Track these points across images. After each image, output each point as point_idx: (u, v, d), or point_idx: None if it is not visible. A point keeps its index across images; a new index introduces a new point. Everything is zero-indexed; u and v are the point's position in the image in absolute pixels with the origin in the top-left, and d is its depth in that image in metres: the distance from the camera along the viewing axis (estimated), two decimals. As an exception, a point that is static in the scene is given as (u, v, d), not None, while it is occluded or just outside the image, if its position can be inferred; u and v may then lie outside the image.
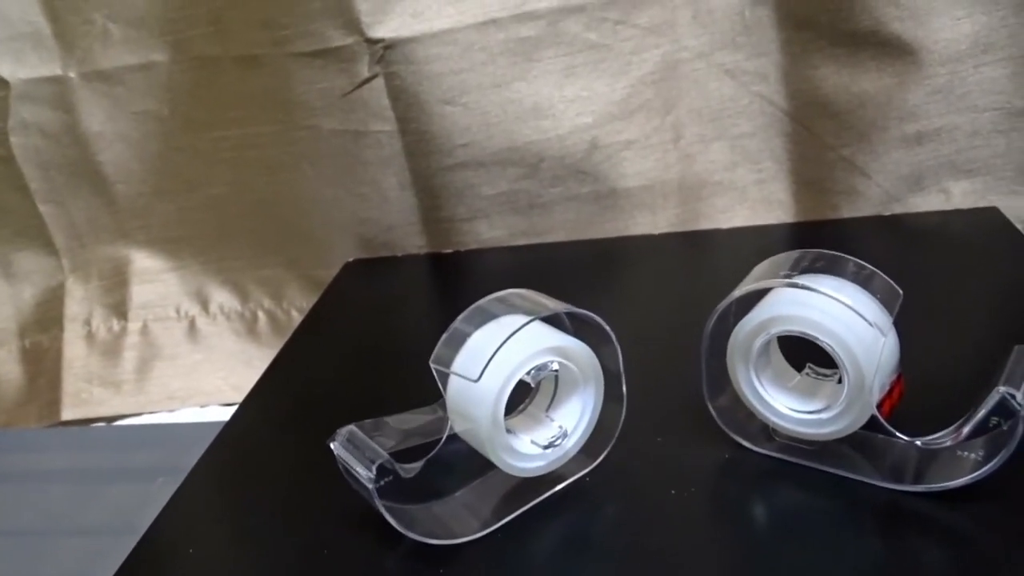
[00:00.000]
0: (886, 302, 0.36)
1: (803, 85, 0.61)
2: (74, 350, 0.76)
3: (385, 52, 0.60)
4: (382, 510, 0.35)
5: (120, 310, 0.76)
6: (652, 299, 0.57)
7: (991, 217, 0.60)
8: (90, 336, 0.76)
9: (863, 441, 0.37)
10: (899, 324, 0.36)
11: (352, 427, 0.37)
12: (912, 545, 0.33)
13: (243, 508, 0.42)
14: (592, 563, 0.35)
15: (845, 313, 0.35)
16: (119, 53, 0.66)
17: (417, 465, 0.36)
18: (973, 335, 0.47)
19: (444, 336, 0.37)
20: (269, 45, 0.63)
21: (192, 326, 0.76)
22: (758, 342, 0.37)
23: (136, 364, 0.75)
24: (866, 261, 0.37)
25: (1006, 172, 0.61)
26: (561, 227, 0.66)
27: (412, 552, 0.36)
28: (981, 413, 0.33)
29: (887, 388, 0.36)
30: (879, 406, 0.35)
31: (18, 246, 0.75)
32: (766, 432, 0.39)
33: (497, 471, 0.37)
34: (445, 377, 0.37)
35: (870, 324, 0.35)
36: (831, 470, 0.37)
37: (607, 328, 0.38)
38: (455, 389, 0.37)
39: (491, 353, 0.35)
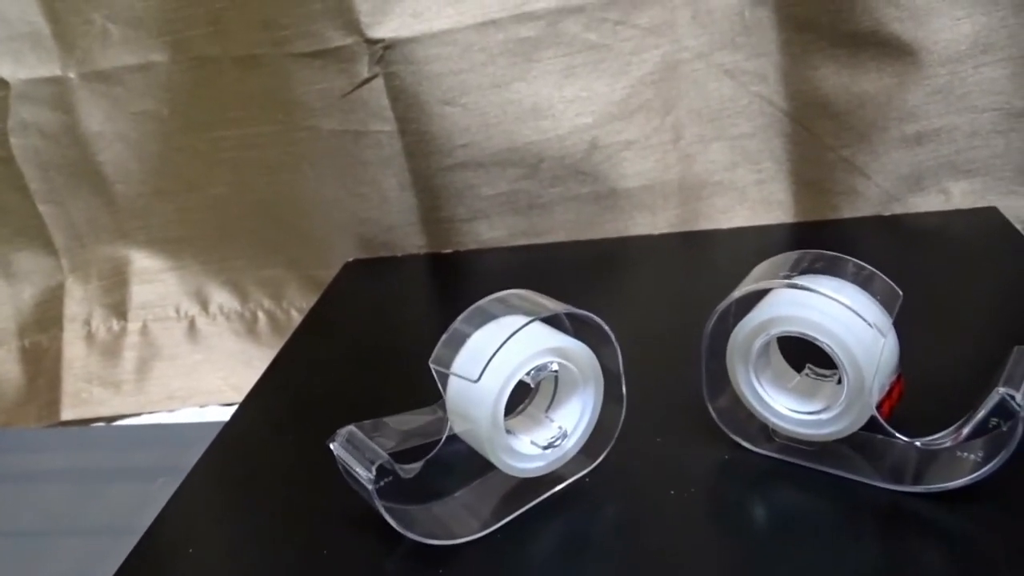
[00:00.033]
0: (886, 303, 0.36)
1: (803, 85, 0.61)
2: (74, 350, 0.76)
3: (385, 52, 0.60)
4: (382, 510, 0.35)
5: (120, 310, 0.76)
6: (652, 300, 0.57)
7: (990, 217, 0.60)
8: (90, 336, 0.76)
9: (863, 442, 0.37)
10: (899, 325, 0.36)
11: (352, 427, 0.37)
12: (911, 546, 0.33)
13: (243, 508, 0.42)
14: (592, 563, 0.35)
15: (845, 314, 0.35)
16: (118, 53, 0.66)
17: (417, 466, 0.36)
18: (973, 336, 0.47)
19: (444, 337, 0.37)
20: (269, 45, 0.63)
21: (192, 326, 0.76)
22: (758, 343, 0.37)
23: (136, 364, 0.75)
24: (866, 261, 0.37)
25: (1005, 172, 0.61)
26: (561, 227, 0.66)
27: (412, 552, 0.36)
28: (981, 414, 0.33)
29: (887, 389, 0.36)
30: (879, 407, 0.35)
31: (18, 246, 0.75)
32: (766, 433, 0.39)
33: (497, 472, 0.37)
34: (445, 378, 0.37)
35: (870, 325, 0.35)
36: (831, 471, 0.37)
37: (607, 329, 0.38)
38: (455, 390, 0.37)
39: (491, 354, 0.35)
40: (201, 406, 0.74)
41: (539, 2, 0.59)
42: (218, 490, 0.44)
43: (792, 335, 0.36)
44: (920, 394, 0.38)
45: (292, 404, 0.51)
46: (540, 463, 0.38)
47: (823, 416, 0.37)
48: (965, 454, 0.34)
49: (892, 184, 0.62)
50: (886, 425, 0.35)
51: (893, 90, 0.59)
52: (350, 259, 0.70)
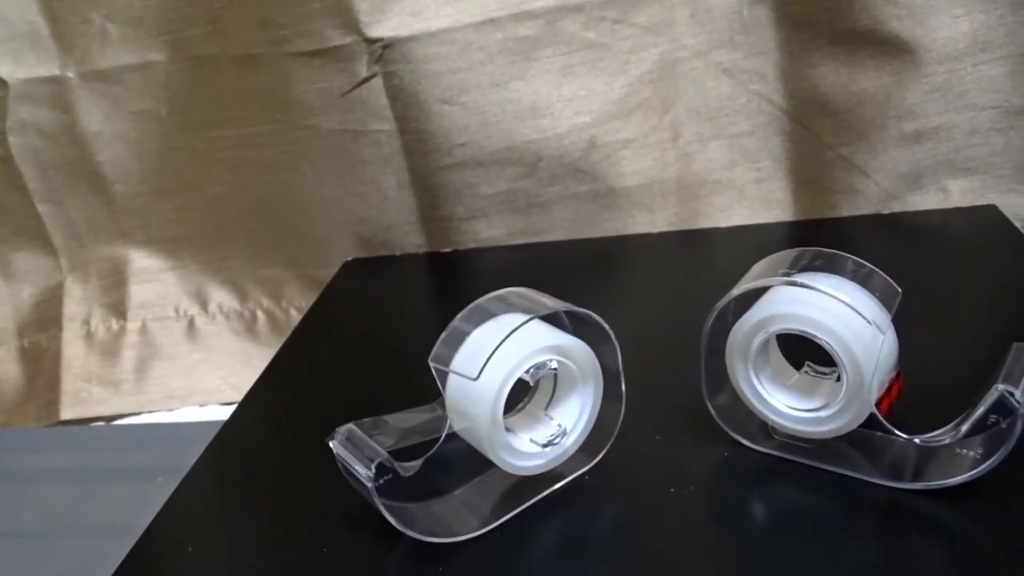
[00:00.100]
0: (885, 300, 0.36)
1: (801, 84, 0.62)
2: (73, 350, 0.76)
3: (384, 51, 0.60)
4: (381, 508, 0.35)
5: (119, 310, 0.76)
6: (651, 298, 0.57)
7: (989, 215, 0.60)
8: (89, 336, 0.76)
9: (862, 439, 0.37)
10: (898, 322, 0.36)
11: (351, 426, 0.37)
12: (911, 542, 0.33)
13: (242, 507, 0.42)
14: (591, 561, 0.35)
15: (844, 311, 0.35)
16: (117, 53, 0.66)
17: (416, 463, 0.36)
18: (972, 333, 0.47)
19: (443, 335, 0.37)
20: (268, 44, 0.63)
21: (191, 325, 0.76)
22: (757, 340, 0.37)
23: (135, 363, 0.75)
24: (865, 259, 0.37)
25: (1004, 170, 0.61)
26: (560, 226, 0.66)
27: (411, 550, 0.36)
28: (980, 411, 0.33)
29: (886, 386, 0.36)
30: (878, 404, 0.35)
31: (16, 246, 0.75)
32: (765, 430, 0.39)
33: (496, 469, 0.37)
34: (444, 376, 0.37)
35: (869, 322, 0.35)
36: (830, 468, 0.37)
37: (606, 327, 0.38)
38: (454, 388, 0.37)
39: (490, 352, 0.35)
40: (200, 405, 0.74)
41: (538, 1, 0.59)
42: (217, 489, 0.44)
43: (791, 332, 0.36)
44: (919, 391, 0.38)
45: (291, 403, 0.51)
46: (539, 461, 0.38)
47: (822, 413, 0.37)
48: (964, 451, 0.34)
49: (891, 182, 0.62)
50: (885, 422, 0.35)
51: (892, 88, 0.59)
52: (349, 258, 0.70)
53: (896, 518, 0.34)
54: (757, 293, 0.37)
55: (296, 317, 0.73)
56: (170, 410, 0.74)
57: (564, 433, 0.38)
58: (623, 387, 0.39)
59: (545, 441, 0.38)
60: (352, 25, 0.60)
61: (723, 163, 0.65)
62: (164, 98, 0.67)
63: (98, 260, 0.75)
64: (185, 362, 0.75)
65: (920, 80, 0.58)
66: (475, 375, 0.35)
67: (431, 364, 0.37)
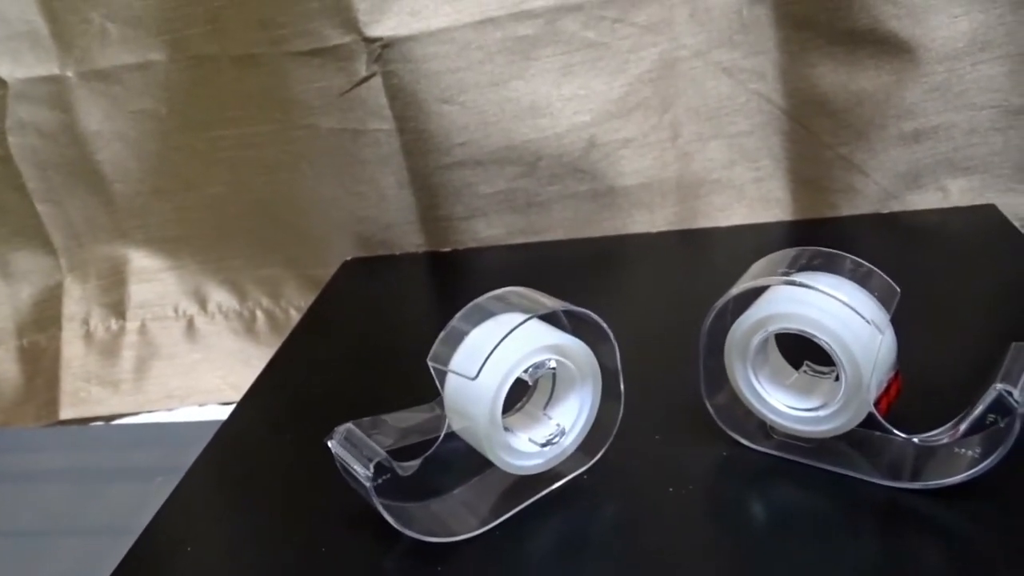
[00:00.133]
0: (883, 300, 0.36)
1: (801, 83, 0.62)
2: (72, 349, 0.76)
3: (383, 51, 0.60)
4: (380, 508, 0.35)
5: (118, 309, 0.76)
6: (650, 297, 0.57)
7: (989, 215, 0.60)
8: (88, 335, 0.76)
9: (860, 438, 0.37)
10: (896, 321, 0.36)
11: (350, 425, 0.37)
12: (909, 542, 0.33)
13: (241, 506, 0.42)
14: (590, 561, 0.35)
15: (842, 311, 0.35)
16: (117, 52, 0.66)
17: (415, 463, 0.36)
18: (971, 332, 0.47)
19: (442, 334, 0.37)
20: (267, 44, 0.63)
21: (190, 325, 0.76)
22: (756, 340, 0.37)
23: (134, 363, 0.75)
24: (864, 259, 0.37)
25: (1004, 170, 0.61)
26: (559, 225, 0.66)
27: (410, 550, 0.36)
28: (978, 410, 0.33)
29: (884, 385, 0.36)
30: (876, 403, 0.35)
31: (16, 245, 0.75)
32: (764, 430, 0.39)
33: (495, 469, 0.37)
34: (443, 375, 0.37)
35: (867, 321, 0.35)
36: (829, 467, 0.37)
37: (605, 326, 0.38)
38: (453, 387, 0.37)
39: (488, 351, 0.35)
40: (200, 405, 0.74)
41: (537, 0, 0.59)
42: (216, 489, 0.44)
43: (790, 332, 0.36)
44: (918, 391, 0.38)
45: (290, 403, 0.51)
46: (538, 460, 0.38)
47: (821, 413, 0.37)
48: (962, 450, 0.34)
49: (890, 182, 0.62)
50: (884, 422, 0.35)
51: (891, 88, 0.59)
52: (348, 258, 0.70)
53: (894, 517, 0.34)
54: (756, 292, 0.37)
55: (295, 317, 0.73)
56: (169, 410, 0.74)
57: (563, 432, 0.38)
58: (622, 386, 0.39)
59: (544, 440, 0.38)
60: (351, 24, 0.60)
61: (722, 162, 0.65)
62: (163, 98, 0.67)
63: (97, 260, 0.75)
64: (184, 362, 0.75)
65: (919, 79, 0.58)
66: (474, 374, 0.35)
67: (430, 363, 0.37)
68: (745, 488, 0.38)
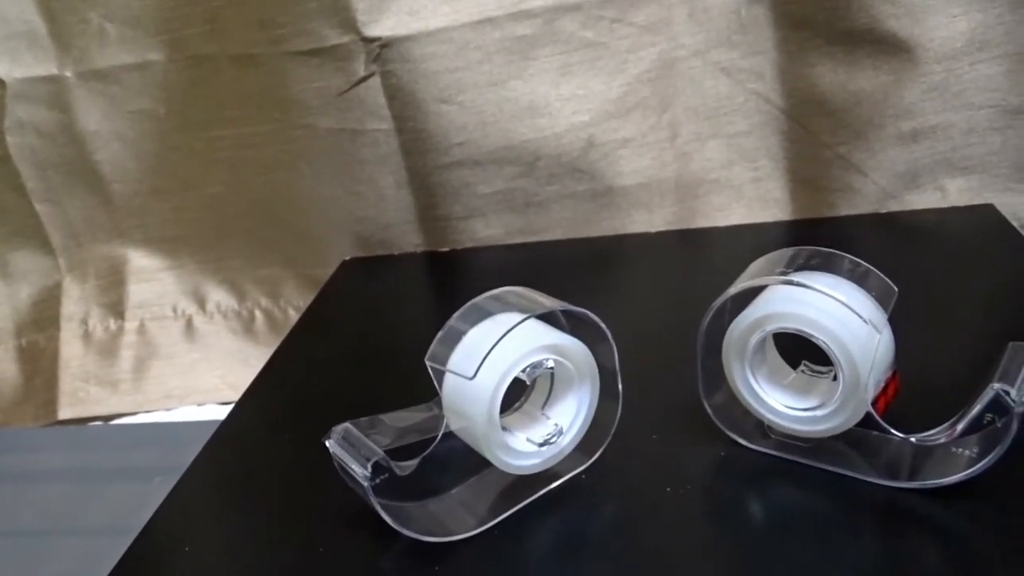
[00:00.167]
0: (881, 299, 0.36)
1: (799, 83, 0.62)
2: (71, 349, 0.75)
3: (381, 51, 0.60)
4: (378, 508, 0.35)
5: (117, 309, 0.76)
6: (648, 297, 0.57)
7: (987, 214, 0.60)
8: (87, 335, 0.76)
9: (858, 438, 0.37)
10: (894, 321, 0.36)
11: (348, 425, 0.37)
12: (907, 541, 0.33)
13: (239, 506, 0.42)
14: (588, 560, 0.35)
15: (840, 310, 0.35)
16: (115, 52, 0.66)
17: (413, 463, 0.36)
18: (968, 332, 0.47)
19: (440, 334, 0.37)
20: (265, 44, 0.63)
21: (189, 325, 0.76)
22: (753, 339, 0.37)
23: (133, 363, 0.75)
24: (862, 258, 0.37)
25: (1002, 169, 0.61)
26: (557, 225, 0.66)
27: (408, 550, 0.36)
28: (976, 410, 0.33)
29: (882, 385, 0.36)
30: (874, 403, 0.35)
31: (14, 245, 0.75)
32: (761, 429, 0.39)
33: (493, 469, 0.37)
34: (441, 375, 0.37)
35: (865, 321, 0.35)
36: (826, 467, 0.37)
37: (603, 326, 0.38)
38: (451, 387, 0.37)
39: (486, 351, 0.35)
40: (199, 405, 0.74)
41: (535, 0, 0.59)
42: (215, 488, 0.44)
43: (788, 332, 0.36)
44: (915, 390, 0.38)
45: (289, 402, 0.51)
46: (536, 460, 0.38)
47: (819, 412, 0.37)
48: (960, 450, 0.34)
49: (888, 181, 0.62)
50: (881, 421, 0.35)
51: (889, 87, 0.59)
52: (347, 257, 0.70)
53: (892, 517, 0.34)
54: (754, 292, 0.37)
55: (294, 316, 0.73)
56: (168, 409, 0.74)
57: (561, 432, 0.38)
58: (620, 386, 0.39)
59: (542, 440, 0.38)
60: (350, 24, 0.60)
61: (721, 162, 0.65)
62: (162, 97, 0.67)
63: (96, 260, 0.75)
64: (183, 361, 0.75)
65: (918, 79, 0.58)
66: (471, 374, 0.35)
67: (427, 363, 0.37)
68: (743, 488, 0.38)
